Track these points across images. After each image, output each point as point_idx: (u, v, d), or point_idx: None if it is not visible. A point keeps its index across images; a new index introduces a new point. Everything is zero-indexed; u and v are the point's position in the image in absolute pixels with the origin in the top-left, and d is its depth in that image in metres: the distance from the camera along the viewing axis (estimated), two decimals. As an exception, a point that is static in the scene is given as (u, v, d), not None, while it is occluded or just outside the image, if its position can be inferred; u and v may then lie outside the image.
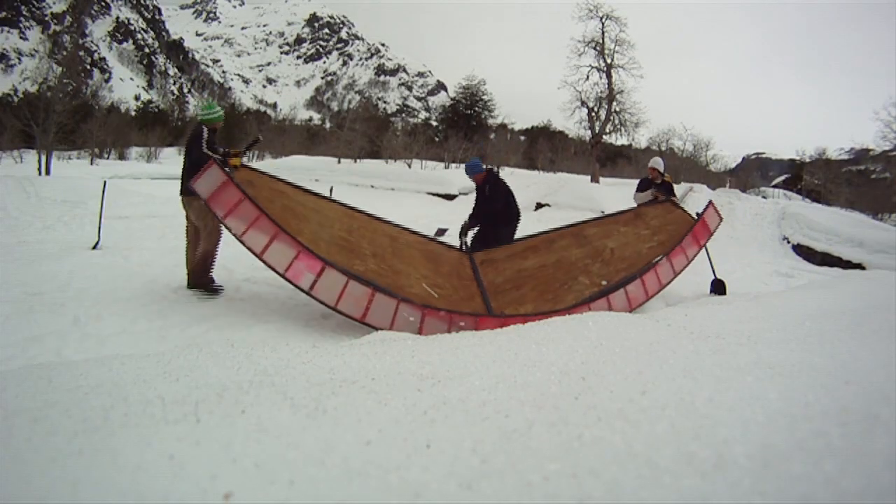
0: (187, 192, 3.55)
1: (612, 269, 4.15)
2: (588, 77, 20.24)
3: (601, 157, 22.13)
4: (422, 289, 3.55)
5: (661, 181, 5.48)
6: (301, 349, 1.59)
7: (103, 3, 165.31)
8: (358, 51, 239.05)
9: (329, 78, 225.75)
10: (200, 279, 3.72)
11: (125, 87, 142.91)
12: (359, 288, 3.12)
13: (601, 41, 19.85)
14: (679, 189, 14.62)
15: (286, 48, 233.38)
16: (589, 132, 20.81)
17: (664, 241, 4.37)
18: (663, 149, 35.86)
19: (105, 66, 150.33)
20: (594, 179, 18.95)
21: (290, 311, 3.61)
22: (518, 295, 3.93)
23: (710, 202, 4.67)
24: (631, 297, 3.79)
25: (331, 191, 8.23)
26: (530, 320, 3.45)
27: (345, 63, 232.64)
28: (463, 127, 31.83)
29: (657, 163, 5.61)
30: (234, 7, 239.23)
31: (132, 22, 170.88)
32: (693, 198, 13.37)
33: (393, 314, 3.09)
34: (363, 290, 3.12)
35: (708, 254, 5.30)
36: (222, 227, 3.51)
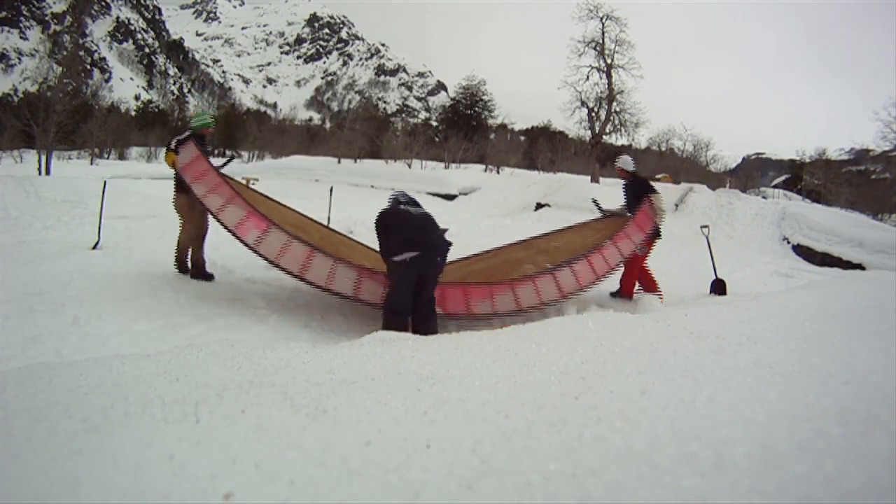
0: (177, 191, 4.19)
1: (557, 258, 4.26)
2: (588, 77, 20.26)
3: (601, 157, 22.12)
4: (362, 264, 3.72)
5: (630, 180, 4.92)
6: (301, 349, 1.59)
7: (103, 3, 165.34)
8: (358, 51, 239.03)
9: (329, 78, 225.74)
10: (178, 263, 4.27)
11: (125, 87, 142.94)
12: (300, 247, 3.43)
13: (601, 41, 19.86)
14: (679, 189, 14.60)
15: (286, 48, 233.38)
16: (589, 132, 20.83)
17: (609, 235, 4.42)
18: (663, 149, 35.88)
19: (105, 66, 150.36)
20: (594, 179, 18.95)
21: (291, 312, 3.61)
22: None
23: (648, 198, 4.65)
24: (579, 276, 3.82)
25: (331, 191, 8.25)
26: (472, 288, 3.64)
27: (345, 63, 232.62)
28: (463, 127, 31.83)
29: (623, 162, 5.01)
30: (234, 7, 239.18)
31: (132, 22, 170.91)
32: (693, 198, 13.36)
33: (330, 272, 3.33)
34: (303, 249, 3.42)
35: (711, 254, 5.30)
36: (197, 224, 4.19)
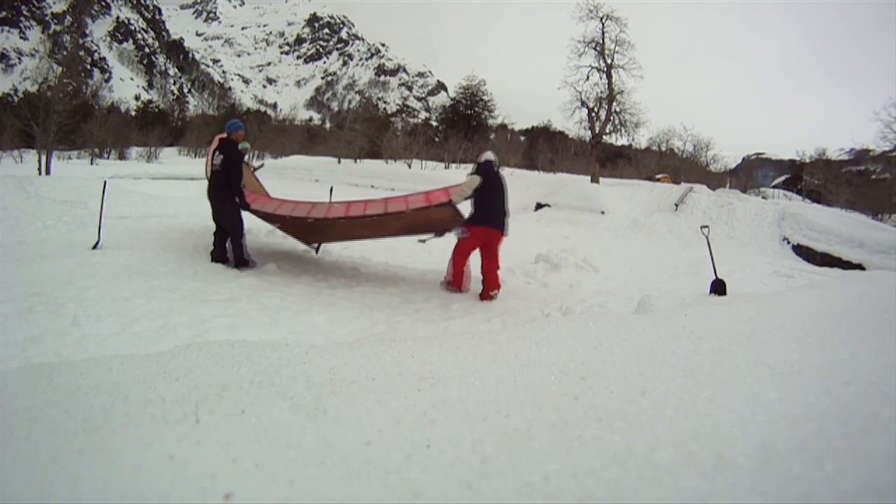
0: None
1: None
2: (588, 77, 20.28)
3: (601, 158, 22.13)
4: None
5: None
6: (301, 349, 1.59)
7: (103, 3, 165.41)
8: (358, 51, 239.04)
9: (329, 78, 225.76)
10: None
11: (125, 87, 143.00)
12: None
13: (601, 41, 19.87)
14: (679, 189, 14.61)
15: (286, 48, 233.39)
16: (589, 132, 20.83)
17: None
18: (663, 149, 35.87)
19: (105, 66, 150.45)
20: (594, 180, 18.96)
21: (290, 313, 3.61)
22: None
23: (449, 189, 5.12)
24: (352, 206, 5.11)
25: (331, 191, 8.24)
26: (352, 204, 5.20)
27: (345, 63, 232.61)
28: (463, 127, 31.85)
29: (486, 156, 5.56)
30: (234, 7, 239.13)
31: (132, 22, 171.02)
32: (693, 198, 13.37)
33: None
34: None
35: (711, 254, 5.30)
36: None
